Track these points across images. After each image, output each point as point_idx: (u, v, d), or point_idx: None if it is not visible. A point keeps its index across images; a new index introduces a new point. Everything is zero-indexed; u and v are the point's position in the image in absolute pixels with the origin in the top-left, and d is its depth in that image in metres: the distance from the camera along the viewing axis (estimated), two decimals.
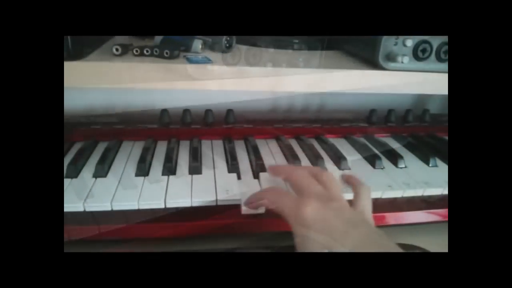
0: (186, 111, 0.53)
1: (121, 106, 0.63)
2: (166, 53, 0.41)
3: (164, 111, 0.53)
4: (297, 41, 0.54)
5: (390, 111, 0.61)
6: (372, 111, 0.60)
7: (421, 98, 0.74)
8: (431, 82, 0.45)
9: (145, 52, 0.41)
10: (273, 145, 0.52)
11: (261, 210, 0.37)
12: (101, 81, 0.38)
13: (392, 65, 0.43)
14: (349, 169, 0.46)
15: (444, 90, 0.46)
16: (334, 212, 0.29)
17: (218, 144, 0.51)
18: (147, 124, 0.52)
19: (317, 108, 0.71)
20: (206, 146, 0.50)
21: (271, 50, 0.51)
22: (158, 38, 0.46)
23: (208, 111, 0.54)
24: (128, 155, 0.46)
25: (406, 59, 0.43)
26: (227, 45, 0.46)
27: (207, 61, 0.41)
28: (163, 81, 0.39)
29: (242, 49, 0.49)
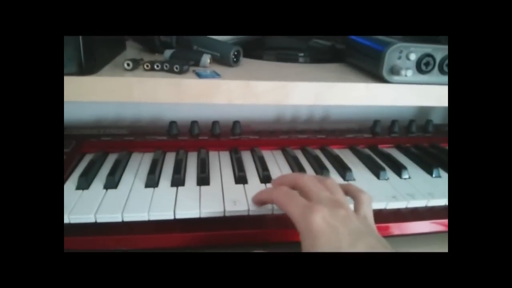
0: (194, 122, 0.55)
1: (130, 117, 0.65)
2: (176, 68, 0.42)
3: (173, 123, 0.54)
4: (301, 54, 0.55)
5: (393, 121, 0.62)
6: (376, 122, 0.61)
7: (424, 109, 0.75)
8: (434, 95, 0.46)
9: (155, 67, 0.42)
10: (279, 156, 0.53)
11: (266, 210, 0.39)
12: (113, 96, 0.40)
13: (396, 78, 0.44)
14: (354, 180, 0.47)
15: (447, 102, 0.47)
16: (342, 221, 0.30)
17: (225, 155, 0.52)
18: (156, 135, 0.53)
19: (322, 118, 0.72)
20: (213, 157, 0.51)
21: (277, 63, 0.52)
22: (167, 53, 0.47)
23: (215, 123, 0.55)
24: (137, 167, 0.47)
25: (409, 72, 0.44)
26: (235, 59, 0.47)
27: (216, 75, 0.42)
28: (173, 96, 0.40)
29: (249, 63, 0.50)
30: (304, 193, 0.34)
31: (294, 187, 0.36)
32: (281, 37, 0.61)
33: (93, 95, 0.40)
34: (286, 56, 0.54)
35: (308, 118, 0.71)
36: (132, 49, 0.55)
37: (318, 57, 0.55)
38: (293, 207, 0.32)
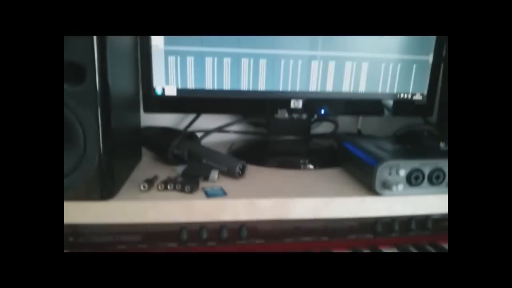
0: (202, 228, 0.58)
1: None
2: (187, 188, 0.46)
3: (183, 228, 0.57)
4: (302, 161, 0.60)
5: (393, 219, 0.65)
6: (377, 220, 0.64)
7: None
8: (426, 204, 0.50)
9: (168, 187, 0.47)
10: None
11: None
12: (129, 218, 0.44)
13: (387, 192, 0.48)
14: None
15: (440, 209, 0.50)
16: None
17: None
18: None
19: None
20: None
21: (279, 170, 0.57)
22: (180, 168, 0.52)
23: (222, 227, 0.58)
24: None
25: (400, 187, 0.48)
26: (240, 173, 0.52)
27: (222, 194, 0.47)
28: (184, 216, 0.45)
29: (253, 172, 0.55)
30: None
31: None
32: (283, 141, 0.67)
33: (110, 218, 0.44)
34: (288, 163, 0.59)
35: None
36: (146, 157, 0.60)
37: (318, 161, 0.60)
38: None
